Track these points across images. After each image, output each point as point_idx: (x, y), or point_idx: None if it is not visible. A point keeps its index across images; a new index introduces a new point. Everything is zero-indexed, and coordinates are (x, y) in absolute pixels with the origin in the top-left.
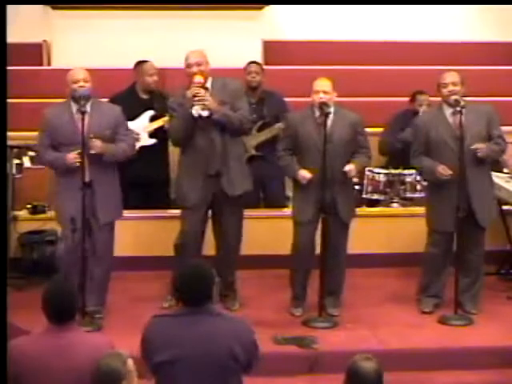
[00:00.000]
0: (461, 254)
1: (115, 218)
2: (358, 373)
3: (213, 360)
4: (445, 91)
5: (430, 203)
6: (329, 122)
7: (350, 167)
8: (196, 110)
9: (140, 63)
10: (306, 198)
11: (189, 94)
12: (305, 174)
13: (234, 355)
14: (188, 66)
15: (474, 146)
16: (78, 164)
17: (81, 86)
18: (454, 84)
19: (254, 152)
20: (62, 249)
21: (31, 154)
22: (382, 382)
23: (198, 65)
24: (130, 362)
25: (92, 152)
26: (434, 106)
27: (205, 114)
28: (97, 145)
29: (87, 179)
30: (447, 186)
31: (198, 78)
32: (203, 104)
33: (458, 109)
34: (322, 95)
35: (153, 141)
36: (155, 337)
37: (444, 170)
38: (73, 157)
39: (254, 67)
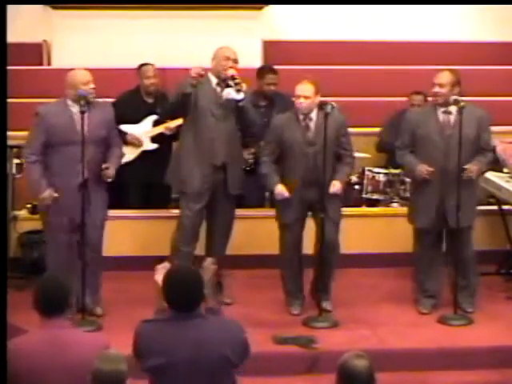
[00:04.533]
0: (452, 254)
1: (104, 216)
2: (349, 371)
3: (204, 364)
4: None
5: (412, 201)
6: (312, 124)
7: (336, 187)
8: (228, 93)
9: (141, 66)
10: (289, 200)
11: (229, 72)
12: (283, 192)
13: (226, 357)
14: (226, 58)
15: (467, 166)
16: (46, 204)
17: (92, 88)
18: (440, 85)
19: None
20: (49, 250)
21: None
22: (373, 380)
23: (235, 62)
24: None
25: (108, 181)
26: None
27: (239, 97)
28: (111, 174)
29: (83, 179)
30: (428, 184)
31: (233, 71)
32: (240, 86)
33: (454, 108)
34: (302, 100)
35: (155, 146)
36: (146, 342)
37: (423, 168)
38: (48, 196)
39: (271, 79)
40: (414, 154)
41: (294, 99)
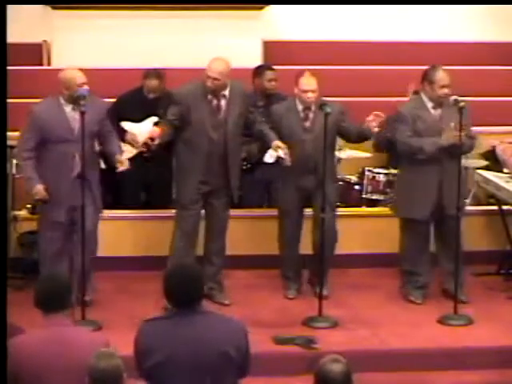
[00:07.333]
0: (442, 244)
1: (100, 208)
2: (324, 375)
3: (204, 361)
4: (440, 92)
5: (404, 193)
6: (311, 114)
7: None
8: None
9: (146, 74)
10: (289, 187)
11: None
12: (278, 143)
13: (226, 354)
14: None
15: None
16: (39, 199)
17: (86, 89)
18: (449, 87)
19: None
20: (45, 247)
21: None
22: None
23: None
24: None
25: (122, 170)
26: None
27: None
28: (126, 164)
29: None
30: (425, 176)
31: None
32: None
33: (457, 107)
34: (310, 95)
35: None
36: (147, 340)
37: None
38: (39, 191)
39: (271, 74)
40: None
41: (299, 93)
